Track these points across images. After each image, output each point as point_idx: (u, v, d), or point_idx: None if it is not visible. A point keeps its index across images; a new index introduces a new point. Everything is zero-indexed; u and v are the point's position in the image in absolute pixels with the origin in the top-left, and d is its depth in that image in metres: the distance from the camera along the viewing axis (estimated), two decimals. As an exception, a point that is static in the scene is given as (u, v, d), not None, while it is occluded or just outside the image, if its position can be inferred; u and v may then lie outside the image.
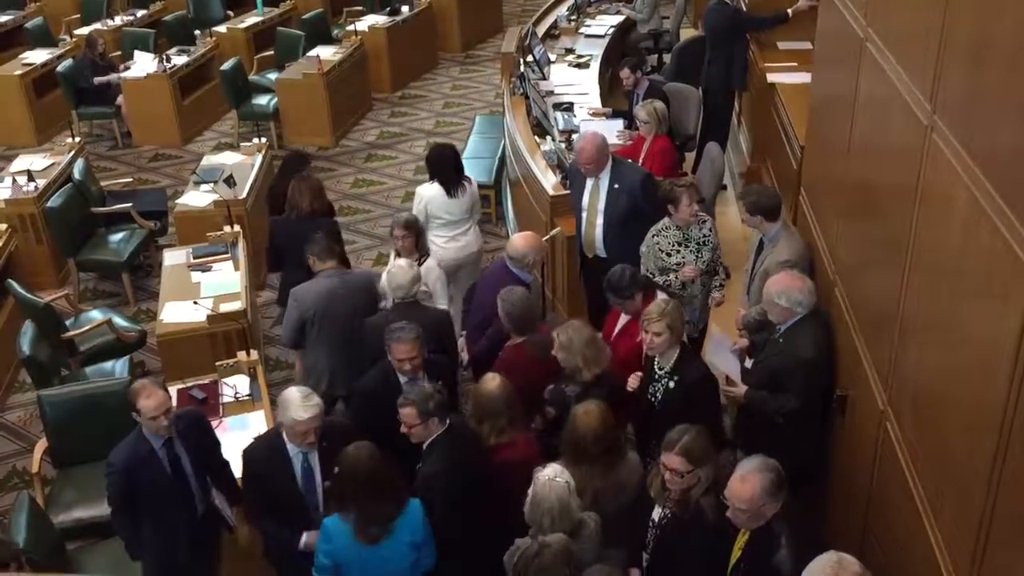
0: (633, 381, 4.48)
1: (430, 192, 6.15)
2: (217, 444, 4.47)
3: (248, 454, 4.24)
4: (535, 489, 3.65)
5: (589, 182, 5.75)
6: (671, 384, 4.29)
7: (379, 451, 3.83)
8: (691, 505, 3.60)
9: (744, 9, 8.45)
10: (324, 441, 4.10)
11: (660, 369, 4.36)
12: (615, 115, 7.90)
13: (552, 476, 3.64)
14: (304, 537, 4.14)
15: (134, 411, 4.08)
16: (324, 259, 5.34)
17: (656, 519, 3.76)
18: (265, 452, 4.18)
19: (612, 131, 7.41)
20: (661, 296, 4.72)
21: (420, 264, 5.38)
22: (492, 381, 4.26)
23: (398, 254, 5.52)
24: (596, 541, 3.74)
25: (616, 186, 5.69)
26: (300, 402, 4.01)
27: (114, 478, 4.14)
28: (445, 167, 6.19)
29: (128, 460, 4.11)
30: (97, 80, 10.13)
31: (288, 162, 6.86)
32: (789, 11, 8.14)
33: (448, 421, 4.09)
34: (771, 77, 7.73)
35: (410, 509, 3.85)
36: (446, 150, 6.36)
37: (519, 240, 5.31)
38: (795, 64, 7.75)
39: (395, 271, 5.04)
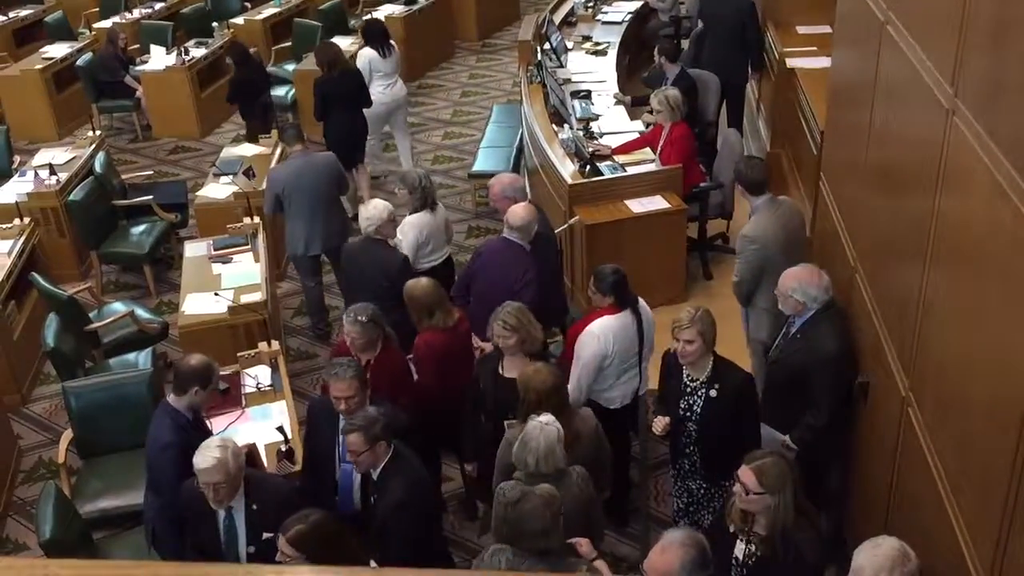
0: (659, 425, 4.39)
1: (370, 54, 8.46)
2: None
3: (184, 487, 4.02)
4: (526, 431, 3.72)
5: None
6: (712, 393, 4.17)
7: (329, 516, 3.60)
8: (778, 541, 3.38)
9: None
10: (255, 504, 3.89)
11: (693, 381, 4.23)
12: (636, 103, 7.86)
13: (545, 422, 3.74)
14: None
15: (194, 385, 4.15)
16: (292, 143, 6.55)
17: (740, 557, 3.52)
18: (193, 494, 3.91)
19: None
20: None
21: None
22: (419, 282, 4.82)
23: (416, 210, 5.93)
24: (578, 495, 3.77)
25: None
26: (202, 449, 3.79)
27: (171, 453, 4.08)
28: (375, 37, 8.53)
29: (179, 433, 4.12)
30: (128, 80, 10.20)
31: (235, 52, 9.13)
32: None
33: (393, 445, 3.98)
34: (791, 62, 7.67)
35: None
36: (376, 25, 8.88)
37: (520, 210, 5.31)
38: (815, 48, 7.69)
39: (370, 206, 5.58)
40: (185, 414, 4.25)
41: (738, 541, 3.51)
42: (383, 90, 8.47)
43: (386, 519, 3.88)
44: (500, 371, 4.48)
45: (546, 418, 3.78)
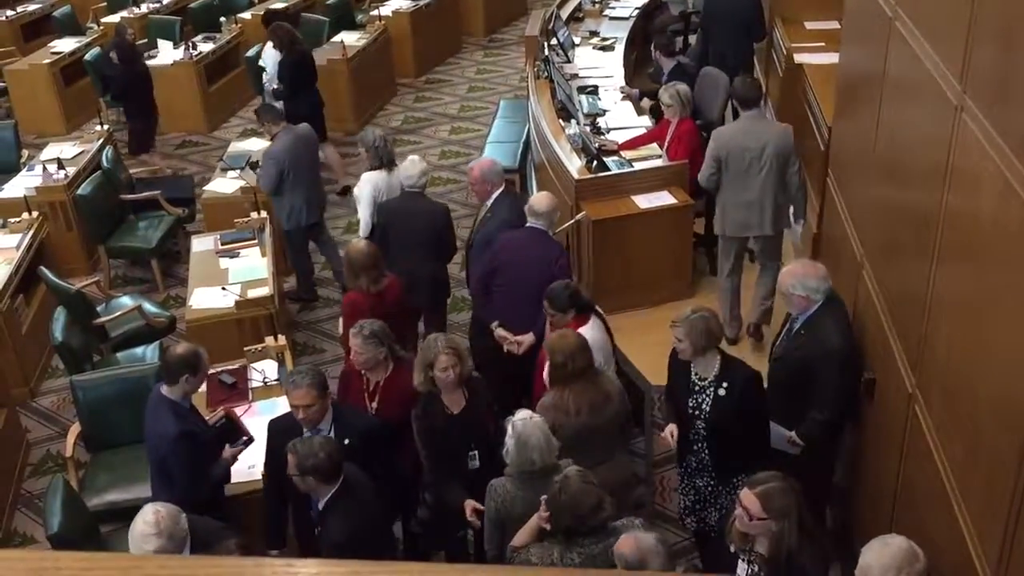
0: (669, 439, 4.39)
1: (272, 53, 8.64)
2: None
3: None
4: (517, 432, 3.74)
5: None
6: (721, 391, 4.16)
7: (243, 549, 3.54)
8: (783, 565, 3.33)
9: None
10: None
11: (702, 380, 4.21)
12: (643, 96, 7.85)
13: (527, 417, 3.79)
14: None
15: (184, 374, 4.16)
16: (277, 122, 6.86)
17: None
18: None
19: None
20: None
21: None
22: (360, 243, 5.19)
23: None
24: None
25: (489, 215, 5.70)
26: (135, 539, 3.52)
27: (184, 444, 4.12)
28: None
29: (184, 423, 4.18)
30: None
31: (121, 49, 9.15)
32: None
33: (342, 477, 3.82)
34: (798, 57, 7.64)
35: None
36: (277, 17, 9.47)
37: (543, 198, 5.38)
38: (823, 44, 7.64)
39: (407, 164, 5.87)
40: (182, 403, 4.28)
41: (740, 561, 3.45)
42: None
43: (330, 555, 3.76)
44: (448, 411, 4.29)
45: (524, 413, 3.84)
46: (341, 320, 5.31)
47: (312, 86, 8.56)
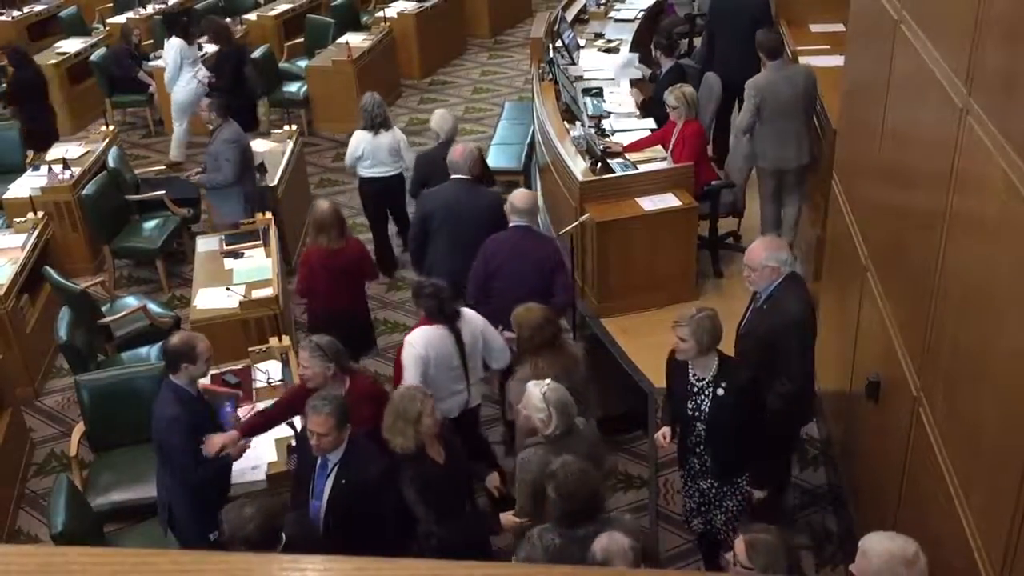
0: (662, 440, 4.52)
1: (179, 43, 8.92)
2: None
3: None
4: (551, 400, 3.91)
5: None
6: (720, 391, 4.15)
7: None
8: None
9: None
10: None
11: (700, 380, 4.20)
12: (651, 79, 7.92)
13: (547, 384, 3.96)
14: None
15: (181, 363, 4.23)
16: (223, 115, 7.00)
17: None
18: None
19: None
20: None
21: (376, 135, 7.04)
22: (323, 203, 5.65)
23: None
24: (587, 442, 4.07)
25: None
26: None
27: (178, 425, 4.21)
28: (179, 25, 9.14)
29: (183, 406, 4.23)
30: (141, 75, 10.24)
31: (14, 55, 9.15)
32: None
33: (282, 543, 3.66)
34: (803, 60, 7.64)
35: None
36: (176, 13, 10.20)
37: (522, 195, 5.52)
38: (828, 47, 7.65)
39: (438, 119, 6.74)
40: (188, 389, 4.34)
41: None
42: (190, 78, 9.03)
43: None
44: (436, 463, 4.12)
45: (535, 384, 4.00)
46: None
47: (243, 81, 8.95)
